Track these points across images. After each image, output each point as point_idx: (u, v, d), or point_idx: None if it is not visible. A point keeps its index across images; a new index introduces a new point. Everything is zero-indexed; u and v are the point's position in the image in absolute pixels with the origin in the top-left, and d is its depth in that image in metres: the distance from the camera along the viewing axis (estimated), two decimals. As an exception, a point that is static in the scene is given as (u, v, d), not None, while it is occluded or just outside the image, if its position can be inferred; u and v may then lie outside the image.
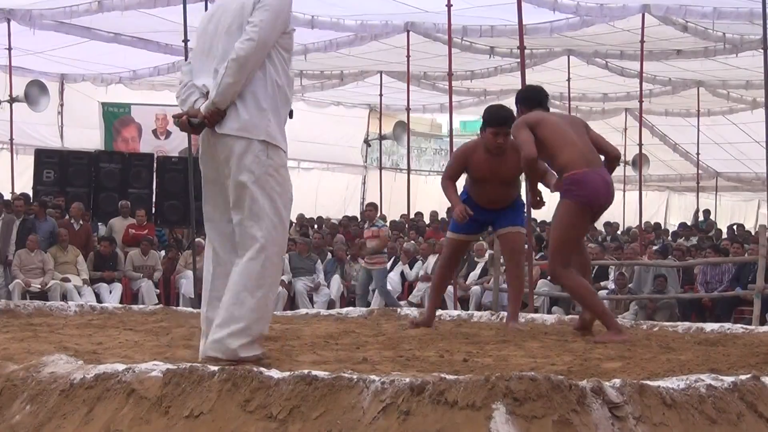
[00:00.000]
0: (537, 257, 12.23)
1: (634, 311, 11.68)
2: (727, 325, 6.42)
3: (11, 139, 15.17)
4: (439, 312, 7.65)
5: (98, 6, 13.67)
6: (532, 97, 5.97)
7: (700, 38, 14.95)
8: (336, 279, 13.99)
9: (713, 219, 22.04)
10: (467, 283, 13.39)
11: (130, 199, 14.15)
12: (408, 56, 15.10)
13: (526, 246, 7.92)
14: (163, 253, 13.78)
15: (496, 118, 6.09)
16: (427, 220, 18.56)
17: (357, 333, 5.65)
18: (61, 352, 3.64)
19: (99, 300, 11.79)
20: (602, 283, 12.82)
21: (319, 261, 14.06)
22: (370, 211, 13.51)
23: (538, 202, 5.87)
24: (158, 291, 13.05)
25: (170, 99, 14.39)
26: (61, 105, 19.93)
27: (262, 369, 2.94)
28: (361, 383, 2.73)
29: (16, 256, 12.04)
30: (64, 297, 11.63)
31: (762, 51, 10.81)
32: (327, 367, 3.60)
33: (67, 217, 13.32)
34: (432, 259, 13.21)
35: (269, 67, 4.08)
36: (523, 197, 6.56)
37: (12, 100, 15.33)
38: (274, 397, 2.79)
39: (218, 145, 4.08)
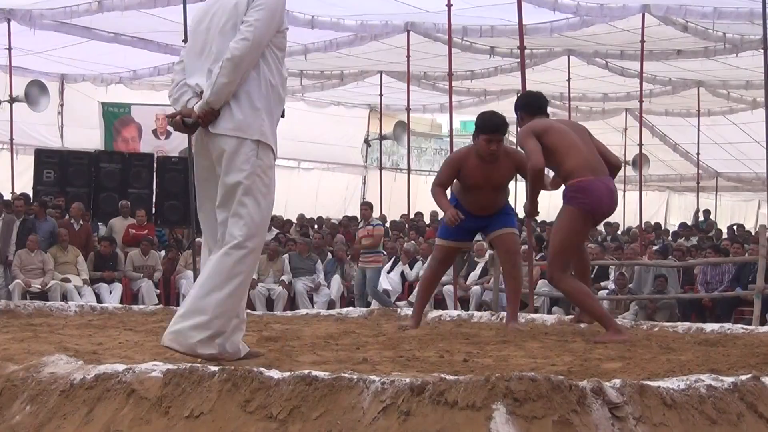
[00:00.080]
0: (537, 257, 12.23)
1: (634, 311, 11.68)
2: (727, 325, 6.42)
3: (11, 139, 15.18)
4: (438, 312, 7.67)
5: (98, 6, 13.67)
6: (533, 103, 5.96)
7: (700, 38, 14.95)
8: (336, 279, 14.00)
9: (713, 219, 22.05)
10: (467, 283, 13.40)
11: (130, 199, 14.15)
12: (408, 56, 15.11)
13: (526, 246, 7.93)
14: (163, 253, 13.78)
15: (489, 125, 6.03)
16: (427, 220, 18.56)
17: (357, 333, 5.66)
18: (61, 353, 3.64)
19: (99, 300, 11.80)
20: (602, 284, 12.83)
21: (319, 261, 14.07)
22: (366, 210, 13.57)
23: (534, 211, 5.86)
24: (158, 291, 13.05)
25: (170, 99, 14.38)
26: (61, 105, 19.93)
27: (262, 369, 2.94)
28: (361, 383, 2.73)
29: (16, 256, 12.04)
30: (65, 297, 11.63)
31: (762, 51, 10.82)
32: (327, 368, 3.60)
33: (67, 217, 13.32)
34: (432, 260, 13.23)
35: (263, 67, 4.06)
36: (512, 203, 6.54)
37: (12, 100, 15.34)
38: (274, 397, 2.79)
39: (211, 144, 4.07)
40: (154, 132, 20.08)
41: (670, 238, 18.81)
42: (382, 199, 18.33)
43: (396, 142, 21.19)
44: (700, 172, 22.04)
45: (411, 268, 13.93)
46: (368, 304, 12.02)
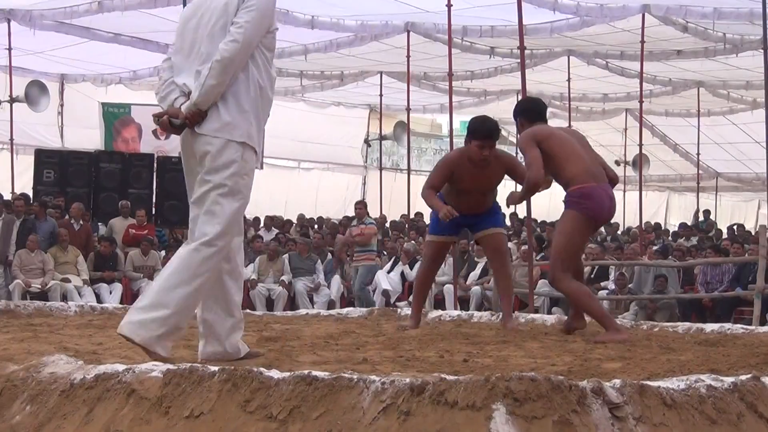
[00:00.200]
0: (537, 258, 12.24)
1: (635, 311, 11.68)
2: (727, 325, 6.43)
3: (11, 139, 15.18)
4: (438, 312, 7.68)
5: (98, 6, 13.68)
6: (533, 110, 5.96)
7: (700, 38, 14.96)
8: (336, 279, 14.02)
9: (713, 219, 22.05)
10: (467, 283, 13.41)
11: (131, 200, 14.15)
12: (408, 56, 15.11)
13: (526, 246, 7.94)
14: (163, 253, 13.77)
15: (482, 131, 6.02)
16: (427, 220, 18.49)
17: (357, 333, 5.66)
18: (61, 353, 3.64)
19: (99, 300, 11.80)
20: (602, 284, 12.83)
21: (319, 261, 14.08)
22: (360, 209, 13.65)
23: (515, 203, 5.93)
24: (158, 291, 13.03)
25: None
26: (61, 105, 19.94)
27: (262, 369, 2.94)
28: (361, 383, 2.73)
29: (16, 256, 12.04)
30: (65, 297, 11.63)
31: (762, 51, 10.83)
32: (327, 368, 3.61)
33: (67, 217, 13.32)
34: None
35: (252, 68, 4.04)
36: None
37: (12, 100, 15.35)
38: (274, 397, 2.79)
39: (196, 144, 4.05)
40: (154, 132, 20.03)
41: (670, 238, 18.81)
42: (382, 199, 18.35)
43: (396, 143, 21.20)
44: (700, 172, 22.05)
45: (411, 269, 13.93)
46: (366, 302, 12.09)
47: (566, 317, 6.34)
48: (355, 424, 2.63)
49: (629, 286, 12.33)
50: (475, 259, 13.80)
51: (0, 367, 3.42)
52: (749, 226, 22.78)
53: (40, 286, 11.88)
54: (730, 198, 27.54)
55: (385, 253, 14.83)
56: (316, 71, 18.74)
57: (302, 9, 13.91)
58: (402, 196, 17.11)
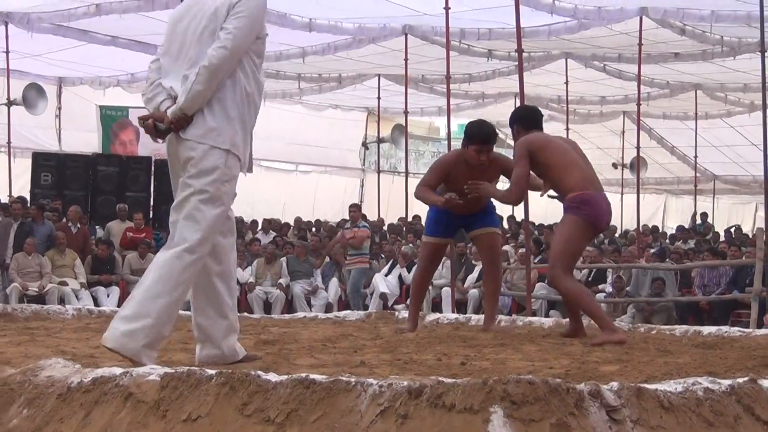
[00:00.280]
0: (535, 261, 12.25)
1: (632, 314, 11.69)
2: (724, 328, 6.43)
3: (9, 142, 15.18)
4: (436, 315, 7.68)
5: (96, 9, 13.66)
6: (529, 117, 5.97)
7: (697, 41, 14.96)
8: (334, 282, 14.02)
9: (711, 222, 22.04)
10: (465, 286, 13.41)
11: (128, 203, 14.15)
12: (406, 59, 15.10)
13: (524, 249, 7.95)
14: (160, 256, 13.77)
15: (479, 136, 6.02)
16: (424, 223, 18.55)
17: (355, 336, 5.66)
18: (58, 356, 3.64)
19: (96, 303, 11.80)
20: (600, 286, 12.84)
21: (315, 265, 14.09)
22: (354, 212, 13.68)
23: (487, 189, 5.93)
24: (156, 294, 13.02)
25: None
26: (59, 108, 19.93)
27: (259, 372, 2.94)
28: (358, 387, 2.73)
29: (13, 259, 12.04)
30: (62, 300, 11.63)
31: (759, 54, 10.83)
32: (325, 371, 3.61)
33: (64, 220, 13.32)
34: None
35: (239, 74, 4.01)
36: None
37: (10, 103, 15.34)
38: (271, 400, 2.78)
39: (181, 149, 4.04)
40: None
41: (667, 240, 18.82)
42: (379, 202, 18.34)
43: (394, 145, 21.19)
44: (698, 175, 22.05)
45: (409, 272, 13.93)
46: (366, 307, 12.07)
47: (564, 320, 6.36)
48: (352, 428, 2.63)
49: (626, 288, 12.33)
50: (473, 262, 13.80)
51: (-3, 370, 3.42)
52: (746, 228, 22.79)
53: (37, 290, 11.88)
54: (728, 201, 27.56)
55: (383, 256, 14.83)
56: (313, 74, 18.73)
57: (300, 12, 13.90)
58: (400, 199, 17.08)
